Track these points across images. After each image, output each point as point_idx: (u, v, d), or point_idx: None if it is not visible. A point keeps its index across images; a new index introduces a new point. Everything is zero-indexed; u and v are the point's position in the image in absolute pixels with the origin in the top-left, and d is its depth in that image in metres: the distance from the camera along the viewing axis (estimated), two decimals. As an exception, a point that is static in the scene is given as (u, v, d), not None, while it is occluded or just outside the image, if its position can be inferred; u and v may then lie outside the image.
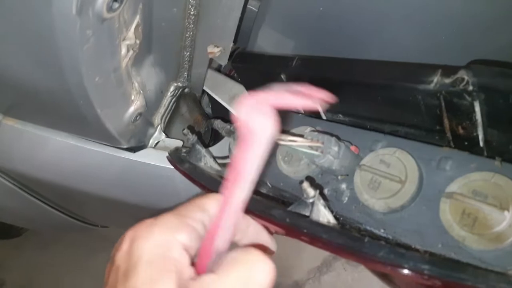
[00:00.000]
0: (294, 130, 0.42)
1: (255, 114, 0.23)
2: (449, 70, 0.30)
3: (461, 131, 0.32)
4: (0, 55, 0.39)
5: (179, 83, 0.58)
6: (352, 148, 0.37)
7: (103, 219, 0.80)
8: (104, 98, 0.42)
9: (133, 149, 0.52)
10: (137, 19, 0.43)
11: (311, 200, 0.31)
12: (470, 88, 0.29)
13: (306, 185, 0.31)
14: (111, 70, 0.40)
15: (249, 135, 0.24)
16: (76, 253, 1.30)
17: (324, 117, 0.43)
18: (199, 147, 0.44)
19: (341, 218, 0.36)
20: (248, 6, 0.50)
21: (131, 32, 0.42)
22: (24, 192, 0.62)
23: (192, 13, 0.46)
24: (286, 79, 0.42)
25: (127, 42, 0.42)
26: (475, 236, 0.28)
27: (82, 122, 0.46)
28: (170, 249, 0.28)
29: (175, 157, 0.45)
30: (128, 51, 0.42)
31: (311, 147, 0.36)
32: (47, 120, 0.51)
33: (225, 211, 0.27)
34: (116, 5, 0.32)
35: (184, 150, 0.48)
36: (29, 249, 1.38)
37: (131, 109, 0.48)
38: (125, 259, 0.30)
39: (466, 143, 0.33)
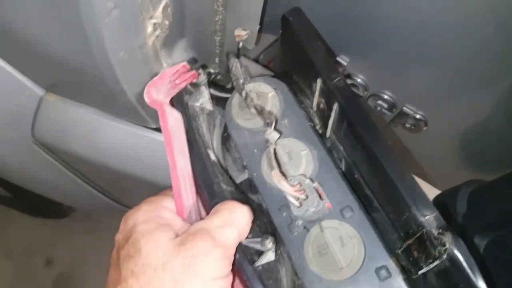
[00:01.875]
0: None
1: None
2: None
3: (415, 254, 0.34)
4: (39, 31, 0.42)
5: (210, 69, 0.59)
6: (327, 205, 0.37)
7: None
8: (130, 74, 0.43)
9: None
10: (165, -1, 0.44)
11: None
12: (443, 253, 0.32)
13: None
14: (136, 47, 0.42)
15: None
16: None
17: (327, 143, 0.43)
18: (203, 88, 0.44)
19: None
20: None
21: (158, 12, 0.43)
22: (66, 168, 0.66)
23: (221, -4, 0.46)
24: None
25: (154, 20, 0.43)
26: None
27: (112, 100, 0.48)
28: (159, 211, 0.33)
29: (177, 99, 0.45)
30: (155, 30, 0.44)
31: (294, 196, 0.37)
32: (84, 97, 0.54)
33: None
34: (138, -22, 0.33)
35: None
36: (77, 231, 1.46)
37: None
38: (122, 231, 0.35)
39: (409, 267, 0.36)
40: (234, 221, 0.34)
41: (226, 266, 0.33)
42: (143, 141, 0.52)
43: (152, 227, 0.33)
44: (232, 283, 0.35)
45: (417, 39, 0.45)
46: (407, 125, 0.56)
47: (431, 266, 0.33)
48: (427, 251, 0.33)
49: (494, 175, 0.47)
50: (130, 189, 0.72)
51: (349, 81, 0.56)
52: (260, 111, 0.40)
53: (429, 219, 0.33)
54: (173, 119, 0.41)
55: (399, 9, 0.43)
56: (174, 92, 0.44)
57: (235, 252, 0.35)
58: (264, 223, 0.40)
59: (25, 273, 1.46)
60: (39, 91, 0.54)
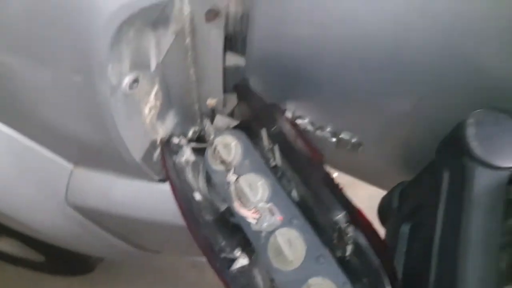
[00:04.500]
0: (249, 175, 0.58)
1: None
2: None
3: (338, 244, 0.50)
4: (72, 125, 0.60)
5: (195, 128, 0.77)
6: (279, 218, 0.53)
7: (157, 244, 0.99)
8: (136, 145, 0.61)
9: (163, 180, 0.71)
10: (155, 88, 0.62)
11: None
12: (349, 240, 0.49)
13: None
14: (138, 125, 0.60)
15: None
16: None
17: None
18: (185, 147, 0.61)
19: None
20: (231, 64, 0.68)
21: (152, 97, 0.62)
22: (96, 225, 0.83)
23: (193, 78, 0.64)
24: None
25: (149, 105, 0.61)
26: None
27: (124, 164, 0.65)
28: None
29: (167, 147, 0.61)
30: (150, 111, 0.62)
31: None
32: (105, 166, 0.72)
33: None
34: (135, 85, 0.52)
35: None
36: (101, 285, 1.60)
37: (158, 150, 0.67)
38: None
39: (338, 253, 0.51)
40: None
41: None
42: (151, 191, 0.69)
43: None
44: None
45: (341, 89, 0.62)
46: (347, 147, 0.73)
47: (348, 250, 0.49)
48: (343, 240, 0.49)
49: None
50: (151, 235, 0.88)
51: (299, 120, 0.73)
52: (222, 161, 0.57)
53: (339, 218, 0.49)
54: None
55: (328, 68, 0.59)
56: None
57: (216, 262, 0.50)
58: (243, 238, 0.56)
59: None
60: (69, 165, 0.72)
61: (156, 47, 0.50)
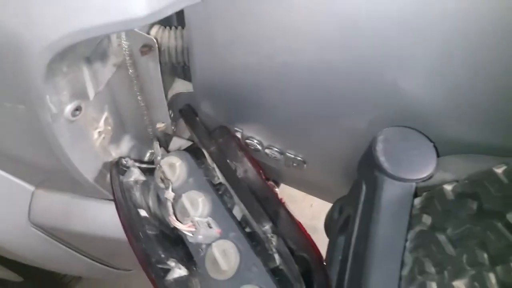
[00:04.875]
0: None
1: None
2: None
3: (269, 252, 0.57)
4: (26, 151, 0.64)
5: (151, 151, 0.82)
6: (217, 231, 0.57)
7: (120, 261, 1.02)
8: (87, 167, 0.66)
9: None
10: (105, 114, 0.67)
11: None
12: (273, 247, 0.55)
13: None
14: (87, 149, 0.64)
15: None
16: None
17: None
18: (132, 168, 0.65)
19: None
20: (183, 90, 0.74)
21: (101, 123, 0.67)
22: (57, 241, 0.87)
23: (142, 105, 0.69)
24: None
25: (98, 129, 0.66)
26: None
27: (80, 185, 0.70)
28: None
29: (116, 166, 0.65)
30: (100, 135, 0.67)
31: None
32: (63, 186, 0.77)
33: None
34: (77, 113, 0.57)
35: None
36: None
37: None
38: None
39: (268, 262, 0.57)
40: None
41: None
42: (105, 209, 0.74)
43: None
44: None
45: (282, 112, 0.67)
46: (294, 165, 0.78)
47: (277, 259, 0.54)
48: (269, 248, 0.54)
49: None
50: (110, 251, 0.92)
51: (249, 141, 0.78)
52: (162, 180, 0.62)
53: (266, 229, 0.54)
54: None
55: (270, 94, 0.64)
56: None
57: (152, 272, 0.54)
58: (186, 252, 0.61)
59: None
60: (30, 187, 0.76)
61: (92, 78, 0.55)
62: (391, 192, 0.52)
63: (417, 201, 0.53)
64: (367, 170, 0.57)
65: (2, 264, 1.30)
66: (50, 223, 0.79)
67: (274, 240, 0.53)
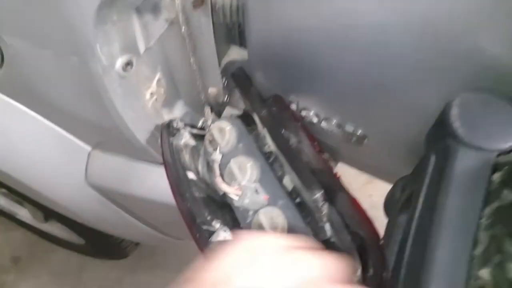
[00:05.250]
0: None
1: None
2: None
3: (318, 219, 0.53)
4: (80, 107, 0.66)
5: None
6: (265, 197, 0.54)
7: (173, 228, 1.04)
8: (139, 127, 0.65)
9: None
10: (158, 75, 0.66)
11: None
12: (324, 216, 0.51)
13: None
14: (139, 109, 0.64)
15: None
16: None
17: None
18: (183, 131, 0.63)
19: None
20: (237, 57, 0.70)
21: (154, 84, 0.66)
22: (113, 204, 0.89)
23: (195, 68, 0.68)
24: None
25: (150, 90, 0.65)
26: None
27: (133, 147, 0.70)
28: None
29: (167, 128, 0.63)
30: (152, 96, 0.66)
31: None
32: (117, 149, 0.78)
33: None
34: (128, 67, 0.56)
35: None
36: (140, 271, 1.69)
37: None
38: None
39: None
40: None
41: None
42: (158, 173, 0.73)
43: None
44: None
45: (344, 81, 0.61)
46: (353, 139, 0.72)
47: (328, 230, 0.51)
48: (319, 219, 0.50)
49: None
50: (164, 217, 0.93)
51: (304, 112, 0.73)
52: (210, 141, 0.60)
53: (317, 197, 0.50)
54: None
55: (330, 60, 0.59)
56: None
57: (196, 233, 0.52)
58: (232, 216, 0.58)
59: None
60: (87, 147, 0.78)
61: (143, 31, 0.53)
62: (465, 162, 0.46)
63: (496, 176, 0.46)
64: (438, 140, 0.50)
65: (67, 226, 1.38)
66: (105, 184, 0.81)
67: (325, 208, 0.49)
